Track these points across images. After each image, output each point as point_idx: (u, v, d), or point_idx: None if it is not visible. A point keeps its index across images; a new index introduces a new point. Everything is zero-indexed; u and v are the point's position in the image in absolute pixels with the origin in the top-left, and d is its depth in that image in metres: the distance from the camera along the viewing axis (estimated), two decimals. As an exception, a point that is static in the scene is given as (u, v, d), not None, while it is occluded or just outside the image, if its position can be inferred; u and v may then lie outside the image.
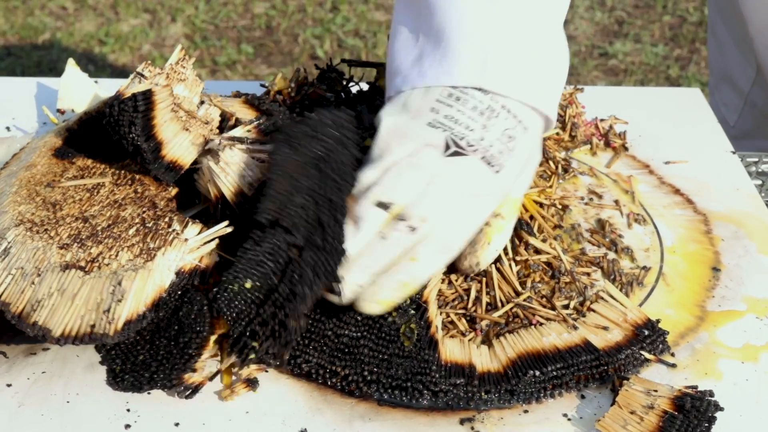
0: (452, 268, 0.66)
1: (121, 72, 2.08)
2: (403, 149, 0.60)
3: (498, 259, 0.69)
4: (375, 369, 0.61)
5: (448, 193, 0.59)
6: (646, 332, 0.66)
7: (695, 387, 0.61)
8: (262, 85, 0.83)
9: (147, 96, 0.62)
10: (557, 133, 0.88)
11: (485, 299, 0.67)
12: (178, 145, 0.63)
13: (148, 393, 0.60)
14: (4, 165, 0.70)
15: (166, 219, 0.61)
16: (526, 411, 0.62)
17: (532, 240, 0.71)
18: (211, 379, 0.61)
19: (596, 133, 0.90)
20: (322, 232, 0.59)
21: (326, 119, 0.62)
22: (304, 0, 2.35)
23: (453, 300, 0.67)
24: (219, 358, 0.62)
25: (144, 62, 0.69)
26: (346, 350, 0.61)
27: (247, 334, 0.58)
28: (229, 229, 0.61)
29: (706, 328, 0.69)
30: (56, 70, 2.02)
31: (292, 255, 0.58)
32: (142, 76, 0.66)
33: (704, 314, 0.70)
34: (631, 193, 0.83)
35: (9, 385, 0.61)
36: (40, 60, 2.09)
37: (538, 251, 0.71)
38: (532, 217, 0.74)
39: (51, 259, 0.58)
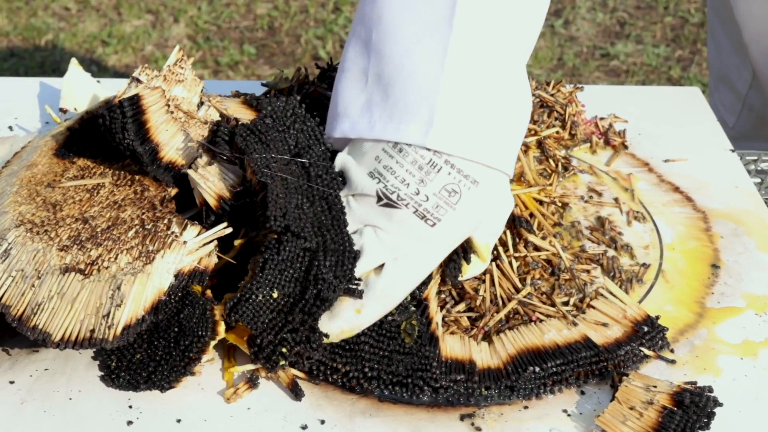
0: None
1: (124, 73, 2.09)
2: (342, 192, 0.63)
3: (497, 257, 0.69)
4: (376, 366, 0.62)
5: (379, 242, 0.61)
6: (646, 329, 0.66)
7: (694, 383, 0.62)
8: (264, 84, 0.83)
9: (135, 101, 0.62)
10: (557, 132, 0.88)
11: (488, 297, 0.68)
12: (177, 146, 0.63)
13: (150, 390, 0.61)
14: (6, 164, 0.71)
15: (165, 221, 0.61)
16: (526, 407, 0.62)
17: (531, 237, 0.71)
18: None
19: (596, 131, 0.91)
20: (329, 233, 0.59)
21: (282, 109, 0.62)
22: (306, 1, 2.36)
23: (455, 298, 0.68)
24: (210, 356, 0.61)
25: (141, 65, 0.69)
26: (347, 347, 0.62)
27: (277, 342, 0.58)
28: (228, 230, 0.61)
29: (705, 325, 0.69)
30: (59, 71, 2.02)
31: (308, 260, 0.59)
32: (138, 80, 0.66)
33: (703, 311, 0.70)
34: (631, 190, 0.83)
35: (12, 382, 0.61)
36: (43, 61, 2.10)
37: (537, 248, 0.71)
38: (532, 215, 0.74)
39: (51, 261, 0.58)
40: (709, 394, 0.60)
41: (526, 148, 0.84)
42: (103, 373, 0.61)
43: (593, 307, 0.68)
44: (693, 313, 0.70)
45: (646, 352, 0.65)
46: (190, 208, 0.64)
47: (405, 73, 0.61)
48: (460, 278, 0.66)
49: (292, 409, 0.61)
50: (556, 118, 0.89)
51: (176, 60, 0.70)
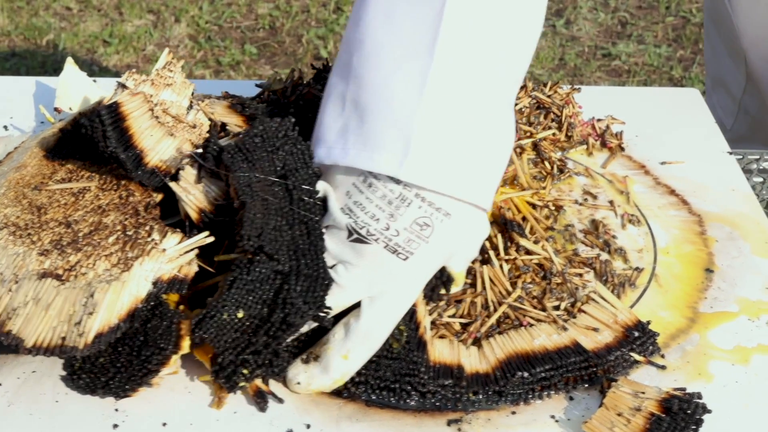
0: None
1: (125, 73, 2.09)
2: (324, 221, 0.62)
3: (488, 261, 0.69)
4: (363, 370, 0.61)
5: (352, 279, 0.60)
6: (636, 334, 0.66)
7: (684, 389, 0.61)
8: (258, 86, 0.83)
9: (113, 109, 0.62)
10: (553, 134, 0.87)
11: (479, 301, 0.67)
12: (162, 152, 0.63)
13: (143, 391, 0.60)
14: (-2, 164, 0.71)
15: (147, 227, 0.60)
16: (513, 412, 0.61)
17: (523, 241, 0.70)
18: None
19: (593, 133, 0.90)
20: (304, 258, 0.59)
21: (274, 130, 0.61)
22: (308, 1, 2.35)
23: (446, 303, 0.67)
24: (173, 369, 0.61)
25: (128, 71, 0.69)
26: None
27: (238, 362, 0.58)
28: (210, 240, 0.61)
29: (697, 330, 0.69)
30: (61, 71, 2.02)
31: (278, 282, 0.58)
32: (124, 86, 0.66)
33: (696, 316, 0.70)
34: (626, 193, 0.83)
35: (-1, 384, 0.61)
36: (44, 60, 2.10)
37: (529, 252, 0.71)
38: (524, 219, 0.73)
39: (29, 266, 0.58)
40: (697, 400, 0.59)
41: (521, 150, 0.83)
42: (65, 373, 0.61)
43: (584, 312, 0.68)
44: (685, 318, 0.70)
45: (637, 357, 0.65)
46: (176, 213, 0.64)
47: (382, 100, 0.60)
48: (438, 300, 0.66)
49: (279, 413, 0.60)
50: (552, 120, 0.89)
51: (165, 63, 0.70)
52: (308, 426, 0.60)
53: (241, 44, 2.21)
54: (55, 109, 0.87)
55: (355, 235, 0.60)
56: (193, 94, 0.72)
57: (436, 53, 0.59)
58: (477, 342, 0.66)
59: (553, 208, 0.77)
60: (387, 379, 0.61)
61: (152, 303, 0.59)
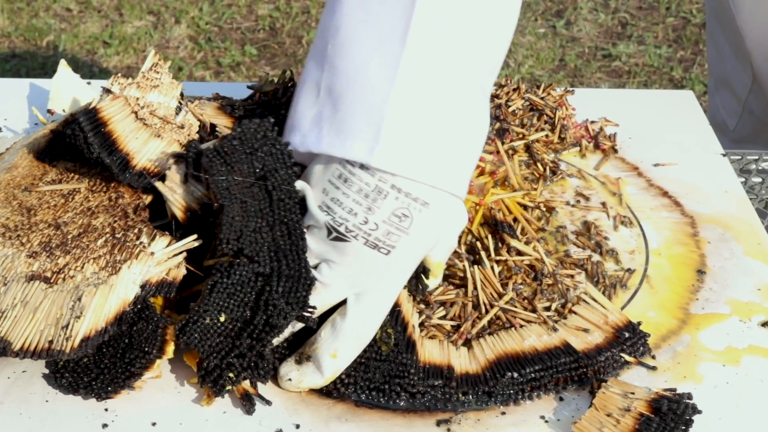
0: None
1: (126, 74, 2.09)
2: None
3: (479, 261, 0.69)
4: (352, 372, 0.61)
5: (336, 277, 0.60)
6: (627, 335, 0.66)
7: (674, 390, 0.61)
8: (249, 87, 0.83)
9: (92, 115, 0.62)
10: (546, 136, 0.88)
11: (470, 302, 0.67)
12: (150, 153, 0.63)
13: (127, 393, 0.60)
14: (-11, 166, 0.71)
15: (136, 230, 0.61)
16: (503, 413, 0.61)
17: (513, 242, 0.70)
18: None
19: (586, 135, 0.90)
20: (285, 259, 0.59)
21: (252, 131, 0.61)
22: (308, 1, 2.36)
23: (437, 305, 0.67)
24: (156, 373, 0.61)
25: (113, 75, 0.69)
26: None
27: (223, 366, 0.58)
28: (198, 243, 0.61)
29: (688, 331, 0.69)
30: (60, 72, 2.02)
31: (259, 284, 0.58)
32: (109, 91, 0.66)
33: (687, 317, 0.70)
34: (619, 195, 0.83)
35: (-10, 384, 0.61)
36: (44, 62, 2.11)
37: (520, 253, 0.71)
38: (515, 220, 0.74)
39: (18, 268, 0.58)
40: (687, 401, 0.59)
41: (513, 151, 0.83)
42: (48, 371, 0.61)
43: (575, 313, 0.68)
44: (676, 319, 0.70)
45: (627, 358, 0.65)
46: (166, 216, 0.64)
47: (355, 87, 0.60)
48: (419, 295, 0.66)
49: (268, 413, 0.60)
50: (545, 122, 0.89)
51: (151, 65, 0.70)
52: (297, 426, 0.60)
53: (242, 45, 2.21)
54: (48, 111, 0.87)
55: (335, 233, 0.60)
56: (182, 95, 0.72)
57: (409, 41, 0.59)
58: (467, 343, 0.66)
59: (544, 209, 0.77)
60: (376, 381, 0.61)
61: (139, 306, 0.59)
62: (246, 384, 0.60)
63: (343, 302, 0.61)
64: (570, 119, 0.90)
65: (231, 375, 0.58)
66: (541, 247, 0.72)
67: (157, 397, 0.61)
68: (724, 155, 0.88)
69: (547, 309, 0.68)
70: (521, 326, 0.66)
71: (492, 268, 0.69)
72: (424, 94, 0.60)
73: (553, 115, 0.89)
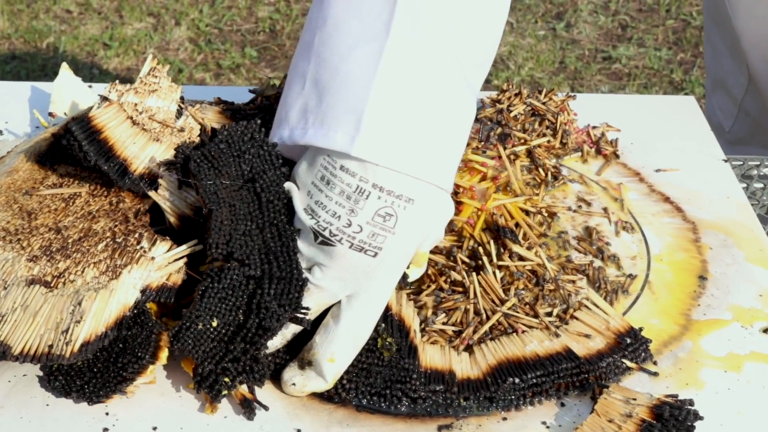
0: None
1: (126, 76, 2.09)
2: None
3: (481, 267, 0.69)
4: (353, 377, 0.61)
5: (327, 280, 0.60)
6: (629, 340, 0.66)
7: (675, 396, 0.61)
8: (251, 91, 0.83)
9: (85, 123, 0.62)
10: (548, 141, 0.87)
11: (472, 308, 0.67)
12: (149, 158, 0.63)
13: (121, 397, 0.60)
14: (-10, 169, 0.71)
15: (137, 234, 0.61)
16: (504, 418, 0.61)
17: (515, 248, 0.70)
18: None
19: (588, 140, 0.90)
20: (276, 261, 0.59)
21: (239, 134, 0.61)
22: (308, 3, 2.36)
23: (439, 312, 0.67)
24: (149, 378, 0.60)
25: (111, 83, 0.69)
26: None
27: (218, 371, 0.58)
28: (199, 247, 0.61)
29: (690, 337, 0.69)
30: (60, 73, 2.02)
31: (251, 287, 0.58)
32: (106, 99, 0.66)
33: (689, 323, 0.70)
34: (621, 200, 0.83)
35: (-10, 388, 0.61)
36: (44, 63, 2.10)
37: (522, 258, 0.71)
38: (517, 225, 0.74)
39: (18, 272, 0.58)
40: (689, 407, 0.59)
41: (514, 156, 0.83)
42: (42, 373, 0.61)
43: (576, 318, 0.68)
44: (678, 325, 0.70)
45: (629, 364, 0.65)
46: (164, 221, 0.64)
47: (339, 79, 0.59)
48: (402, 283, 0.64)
49: (269, 418, 0.60)
50: (547, 127, 0.89)
51: (149, 69, 0.70)
52: (299, 431, 0.60)
53: (242, 47, 2.21)
54: (50, 114, 0.87)
55: (320, 237, 0.59)
56: (182, 98, 0.72)
57: (392, 31, 0.59)
58: (469, 348, 0.66)
59: (546, 214, 0.77)
60: (378, 386, 0.61)
61: (135, 311, 0.59)
62: (244, 389, 0.60)
63: (338, 304, 0.61)
64: (572, 124, 0.90)
65: (226, 380, 0.58)
66: (543, 253, 0.72)
67: (157, 402, 0.61)
68: (725, 161, 0.88)
69: (549, 314, 0.68)
70: (523, 331, 0.66)
71: (494, 273, 0.69)
72: (407, 84, 0.59)
73: (554, 121, 0.89)
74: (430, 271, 0.69)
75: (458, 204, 0.71)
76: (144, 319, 0.59)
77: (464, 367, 0.64)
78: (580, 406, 0.63)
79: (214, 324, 0.58)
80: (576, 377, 0.63)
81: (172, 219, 0.60)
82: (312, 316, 0.60)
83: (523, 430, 0.61)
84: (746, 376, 0.65)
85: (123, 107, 0.64)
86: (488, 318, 0.67)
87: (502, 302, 0.68)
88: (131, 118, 0.64)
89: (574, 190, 0.84)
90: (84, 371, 0.59)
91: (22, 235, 0.61)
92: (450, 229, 0.71)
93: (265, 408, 0.60)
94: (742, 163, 0.91)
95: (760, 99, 1.11)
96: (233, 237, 0.58)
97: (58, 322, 0.56)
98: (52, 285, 0.58)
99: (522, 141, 0.85)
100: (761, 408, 0.63)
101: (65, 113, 0.88)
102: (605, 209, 0.81)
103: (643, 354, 0.66)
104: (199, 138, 0.67)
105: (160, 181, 0.61)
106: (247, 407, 0.60)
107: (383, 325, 0.62)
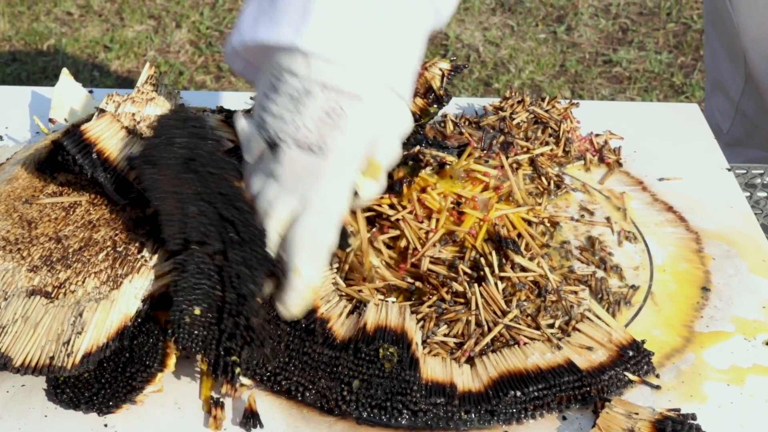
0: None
1: (126, 78, 2.09)
2: (250, 155, 0.61)
3: (483, 279, 0.69)
4: (354, 389, 0.61)
5: (281, 190, 0.59)
6: (631, 353, 0.65)
7: (678, 410, 0.61)
8: (252, 99, 0.82)
9: (77, 137, 0.61)
10: (551, 149, 0.87)
11: (473, 320, 0.67)
12: None
13: (128, 407, 0.60)
14: (-10, 177, 0.70)
15: (137, 243, 0.60)
16: (506, 431, 0.61)
17: (518, 259, 0.70)
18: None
19: (590, 148, 0.90)
20: (233, 227, 0.58)
21: (169, 121, 0.61)
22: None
23: (440, 324, 0.67)
24: (157, 387, 0.60)
25: (107, 95, 0.69)
26: (327, 369, 0.61)
27: (222, 353, 0.58)
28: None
29: (693, 350, 0.68)
30: (61, 75, 2.01)
31: (218, 262, 0.58)
32: (103, 111, 0.65)
33: (691, 335, 0.69)
34: (623, 210, 0.82)
35: (-12, 399, 0.61)
36: (45, 66, 2.10)
37: (524, 269, 0.70)
38: (519, 235, 0.73)
39: (19, 282, 0.58)
40: (692, 422, 0.59)
41: (517, 165, 0.83)
42: (47, 387, 0.61)
43: (578, 330, 0.67)
44: (680, 338, 0.69)
45: (631, 377, 0.64)
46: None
47: None
48: (358, 200, 0.63)
49: (269, 430, 0.60)
50: (550, 135, 0.88)
51: (146, 78, 0.69)
52: (299, 445, 0.59)
53: (242, 50, 2.21)
54: (50, 120, 0.87)
55: (270, 142, 0.59)
56: (182, 105, 0.72)
57: None
58: (470, 360, 0.65)
59: (548, 224, 0.77)
60: (378, 398, 0.61)
61: (140, 320, 0.58)
62: (252, 402, 0.60)
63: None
64: (574, 132, 0.90)
65: (234, 358, 0.58)
66: (545, 263, 0.71)
67: (157, 413, 0.60)
68: (729, 169, 0.88)
69: (551, 326, 0.68)
70: (525, 344, 0.66)
71: (496, 284, 0.69)
72: None
73: (557, 128, 0.89)
74: (431, 282, 0.68)
75: (460, 214, 0.71)
76: (149, 327, 0.59)
77: (465, 379, 0.63)
78: (582, 419, 0.62)
79: (198, 312, 0.57)
80: (578, 390, 0.63)
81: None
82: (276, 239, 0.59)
83: (525, 443, 0.60)
84: (749, 389, 0.65)
85: (117, 118, 0.64)
86: (490, 330, 0.67)
87: (504, 314, 0.67)
88: (126, 128, 0.64)
89: (577, 199, 0.83)
90: (92, 383, 0.59)
91: (23, 244, 0.61)
92: (452, 240, 0.70)
93: (260, 425, 0.60)
94: (745, 171, 0.90)
95: (758, 99, 1.11)
96: (186, 222, 0.58)
97: (59, 334, 0.56)
98: (52, 296, 0.57)
99: (524, 150, 0.85)
100: (764, 422, 0.62)
101: (65, 119, 0.87)
102: (608, 219, 0.81)
103: (645, 367, 0.65)
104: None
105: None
106: (248, 420, 0.59)
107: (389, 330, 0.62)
